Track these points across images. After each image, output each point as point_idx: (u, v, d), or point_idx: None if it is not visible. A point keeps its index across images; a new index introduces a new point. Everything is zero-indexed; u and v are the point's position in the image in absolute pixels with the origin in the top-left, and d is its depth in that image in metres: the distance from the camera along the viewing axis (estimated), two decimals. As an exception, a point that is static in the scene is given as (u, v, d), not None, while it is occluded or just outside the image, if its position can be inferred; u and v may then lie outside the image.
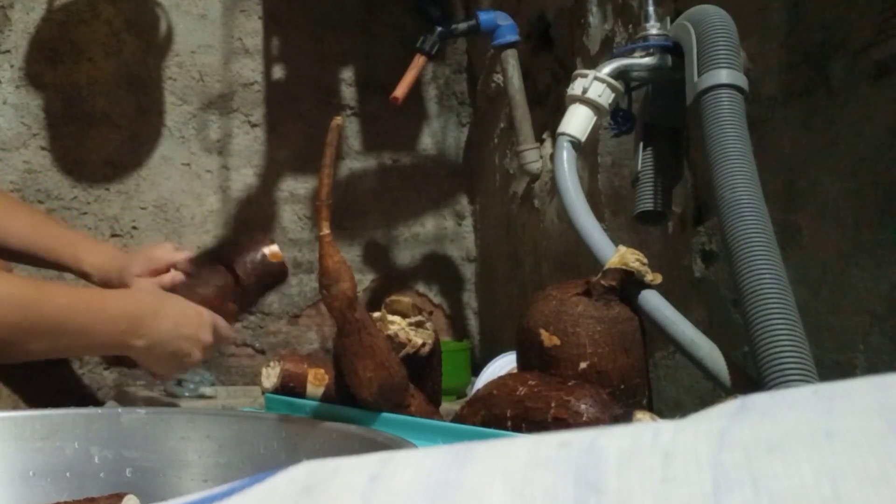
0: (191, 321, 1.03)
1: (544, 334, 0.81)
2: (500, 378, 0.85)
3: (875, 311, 0.86)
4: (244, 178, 2.18)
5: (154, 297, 1.03)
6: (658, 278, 0.85)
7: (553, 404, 0.74)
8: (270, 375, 0.93)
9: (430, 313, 2.16)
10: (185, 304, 1.05)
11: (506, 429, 0.77)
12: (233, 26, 2.19)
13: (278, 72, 2.21)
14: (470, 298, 2.29)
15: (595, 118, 1.01)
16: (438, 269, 2.28)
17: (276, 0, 2.21)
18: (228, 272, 1.14)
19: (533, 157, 1.65)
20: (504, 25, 1.67)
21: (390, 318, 0.89)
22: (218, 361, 2.14)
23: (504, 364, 1.14)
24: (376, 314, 0.88)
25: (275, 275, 1.18)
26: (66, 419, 0.85)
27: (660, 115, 1.07)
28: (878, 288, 0.86)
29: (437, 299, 2.28)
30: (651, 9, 1.06)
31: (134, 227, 2.11)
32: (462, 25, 1.69)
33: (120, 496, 0.73)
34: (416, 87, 2.14)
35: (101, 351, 1.09)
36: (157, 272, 1.18)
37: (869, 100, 0.87)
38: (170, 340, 1.00)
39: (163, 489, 0.82)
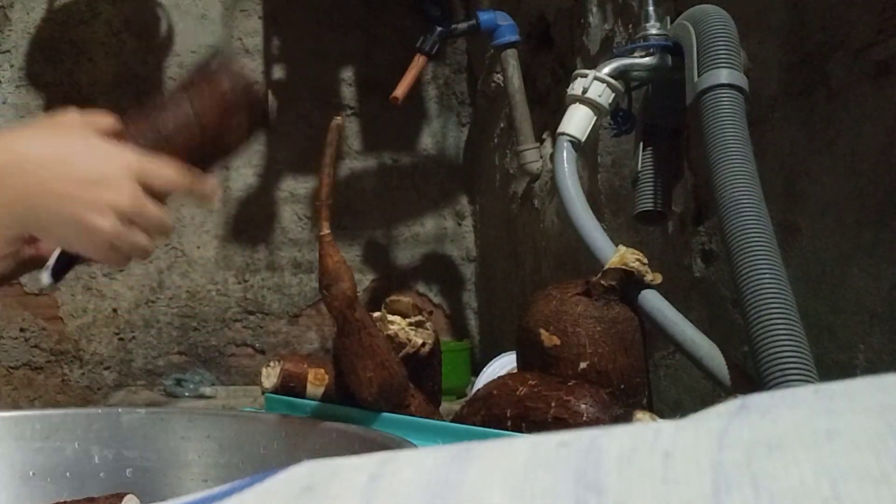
0: (86, 164, 0.67)
1: (544, 334, 0.81)
2: (500, 378, 0.85)
3: (875, 311, 0.86)
4: (244, 178, 2.18)
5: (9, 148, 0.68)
6: (658, 278, 0.85)
7: (553, 404, 0.74)
8: (270, 375, 0.93)
9: (430, 313, 2.16)
10: (68, 133, 0.71)
11: (506, 429, 0.77)
12: (233, 26, 2.19)
13: (278, 72, 2.21)
14: (470, 298, 2.28)
15: (595, 118, 1.01)
16: (438, 269, 2.28)
17: (276, 0, 2.21)
18: (192, 104, 0.76)
19: (533, 157, 1.65)
20: (504, 25, 1.67)
21: (390, 318, 0.89)
22: (218, 361, 2.14)
23: (504, 364, 1.14)
24: (376, 314, 0.88)
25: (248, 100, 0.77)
26: (66, 419, 0.85)
27: (660, 115, 1.07)
28: (878, 288, 0.86)
29: (437, 299, 2.28)
30: (651, 9, 1.06)
31: (134, 227, 2.11)
32: (462, 25, 1.69)
33: (120, 496, 0.73)
34: (416, 87, 2.14)
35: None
36: None
37: (869, 100, 0.87)
38: (46, 200, 0.65)
39: (163, 489, 0.82)
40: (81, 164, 0.67)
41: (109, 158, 0.68)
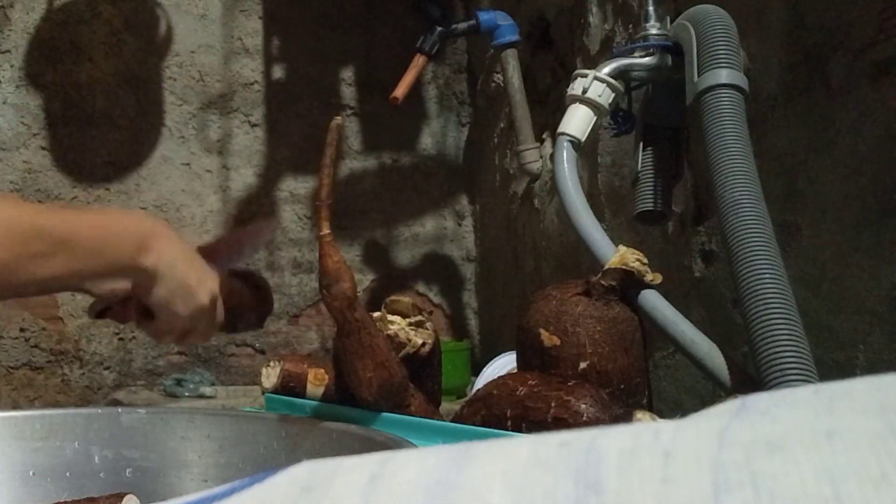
0: (198, 259, 0.93)
1: (544, 334, 0.81)
2: (500, 378, 0.85)
3: (875, 311, 0.86)
4: (244, 178, 2.18)
5: (159, 220, 0.94)
6: (658, 278, 0.85)
7: (553, 404, 0.74)
8: (270, 375, 0.93)
9: (430, 313, 2.16)
10: (187, 243, 0.96)
11: (506, 429, 0.77)
12: (233, 26, 2.19)
13: (278, 72, 2.21)
14: (470, 298, 2.29)
15: (595, 118, 1.01)
16: (438, 269, 2.28)
17: (276, 0, 2.21)
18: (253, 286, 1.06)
19: (533, 157, 1.65)
20: (504, 25, 1.67)
21: (390, 318, 0.89)
22: (218, 361, 2.14)
23: (504, 364, 1.14)
24: (376, 314, 0.88)
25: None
26: (66, 419, 0.85)
27: (660, 115, 1.07)
28: (878, 288, 0.86)
29: (437, 299, 2.27)
30: (651, 9, 1.06)
31: (134, 227, 2.11)
32: (462, 25, 1.69)
33: (120, 496, 0.73)
34: (416, 87, 2.14)
35: (109, 273, 0.98)
36: None
37: (869, 100, 0.87)
38: (178, 264, 0.90)
39: (163, 489, 0.82)
40: (196, 256, 0.92)
41: (207, 264, 0.93)
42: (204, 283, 0.91)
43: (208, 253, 1.00)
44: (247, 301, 0.98)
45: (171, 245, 0.89)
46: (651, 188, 1.05)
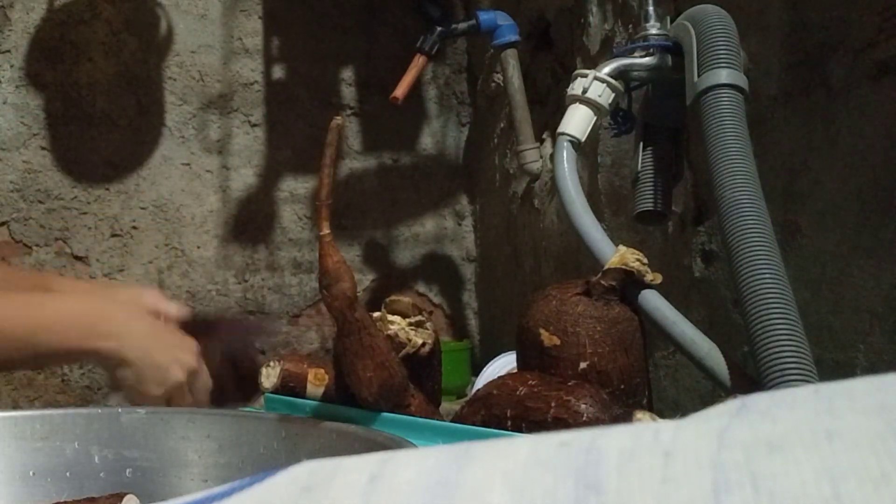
0: (169, 334, 0.89)
1: (544, 334, 0.81)
2: (500, 378, 0.85)
3: (875, 311, 0.86)
4: (244, 178, 2.18)
5: (120, 303, 0.89)
6: (658, 278, 0.85)
7: (553, 404, 0.74)
8: (270, 375, 0.93)
9: (430, 313, 2.16)
10: (156, 320, 0.92)
11: (506, 429, 0.77)
12: (233, 26, 2.19)
13: (278, 72, 2.21)
14: (470, 298, 2.28)
15: (595, 118, 1.01)
16: (438, 269, 2.28)
17: (275, 0, 2.21)
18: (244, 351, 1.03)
19: (533, 157, 1.65)
20: (504, 25, 1.67)
21: (390, 318, 0.89)
22: (218, 361, 2.14)
23: (504, 364, 1.14)
24: (376, 314, 0.88)
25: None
26: (66, 419, 0.85)
27: (660, 115, 1.07)
28: (878, 288, 0.86)
29: (437, 299, 2.27)
30: (651, 9, 1.06)
31: (134, 227, 2.11)
32: (462, 25, 1.69)
33: (120, 496, 0.73)
34: (416, 87, 2.13)
35: (62, 360, 0.96)
36: None
37: (869, 100, 0.87)
38: (146, 345, 0.85)
39: (163, 489, 0.82)
40: (167, 333, 0.90)
41: (183, 338, 0.91)
42: (178, 359, 0.89)
43: (207, 327, 0.98)
44: (227, 389, 0.98)
45: (137, 326, 0.87)
46: (651, 188, 1.05)
